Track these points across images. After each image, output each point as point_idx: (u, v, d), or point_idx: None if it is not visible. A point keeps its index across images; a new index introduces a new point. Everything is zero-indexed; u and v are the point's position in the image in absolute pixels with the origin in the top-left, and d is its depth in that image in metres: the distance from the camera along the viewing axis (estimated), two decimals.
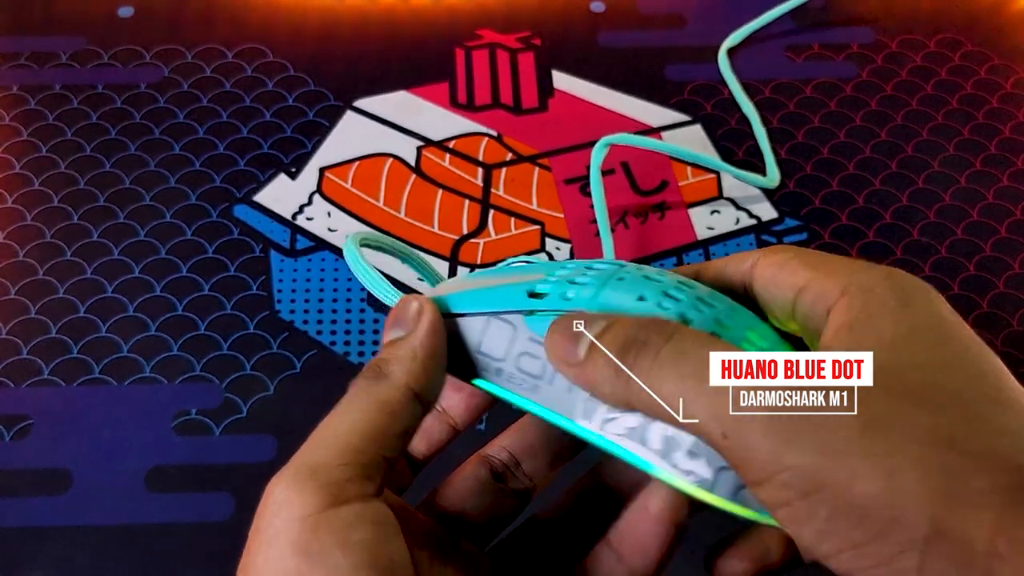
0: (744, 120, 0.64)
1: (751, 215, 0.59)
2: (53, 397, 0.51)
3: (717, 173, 0.61)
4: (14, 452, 0.49)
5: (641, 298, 0.27)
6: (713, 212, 0.59)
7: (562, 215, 0.59)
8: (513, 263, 0.30)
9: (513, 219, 0.58)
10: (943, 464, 0.21)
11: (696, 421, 0.23)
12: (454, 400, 0.31)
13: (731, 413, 0.23)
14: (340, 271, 0.56)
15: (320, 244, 0.57)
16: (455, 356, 0.29)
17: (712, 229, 0.58)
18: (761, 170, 0.61)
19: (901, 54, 0.68)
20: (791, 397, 0.23)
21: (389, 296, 0.32)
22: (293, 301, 0.55)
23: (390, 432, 0.26)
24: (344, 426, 0.26)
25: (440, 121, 0.63)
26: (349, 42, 0.68)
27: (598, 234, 0.57)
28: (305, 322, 0.54)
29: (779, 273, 0.28)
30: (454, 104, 0.64)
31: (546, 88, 0.65)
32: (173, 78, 0.65)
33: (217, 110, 0.63)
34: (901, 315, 0.24)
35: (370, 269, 0.32)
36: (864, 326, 0.24)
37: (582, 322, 0.26)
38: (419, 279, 0.34)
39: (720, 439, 0.23)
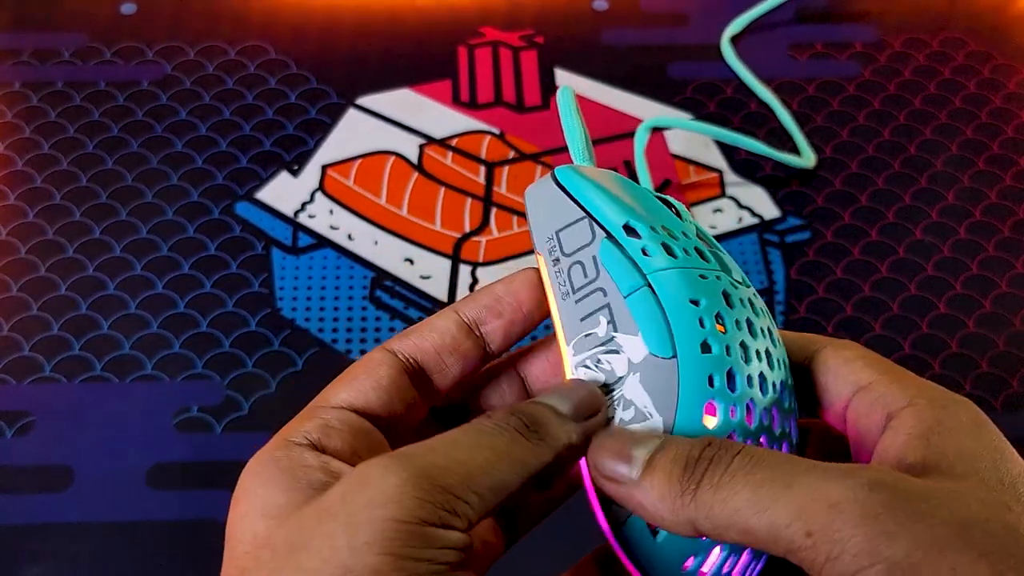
0: (747, 119, 0.64)
1: (753, 214, 0.59)
2: (55, 394, 0.51)
3: (720, 172, 0.61)
4: (16, 449, 0.49)
5: (696, 302, 0.26)
6: (716, 211, 0.59)
7: None
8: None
9: (515, 217, 0.58)
10: None
11: (776, 525, 0.22)
12: (493, 325, 0.30)
13: (822, 506, 0.22)
14: (342, 269, 0.56)
15: (322, 242, 0.57)
16: (540, 223, 0.29)
17: (715, 228, 0.58)
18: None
19: (904, 53, 0.68)
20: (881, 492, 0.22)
21: (578, 155, 0.32)
22: (295, 299, 0.55)
23: (506, 490, 0.25)
24: (476, 463, 0.24)
25: (442, 119, 0.63)
26: (351, 40, 0.67)
27: None
28: (307, 320, 0.54)
29: (843, 367, 0.28)
30: (456, 102, 0.64)
31: (549, 86, 0.65)
32: (175, 75, 0.65)
33: (219, 107, 0.63)
34: (978, 434, 0.24)
35: (578, 124, 0.32)
36: (943, 437, 0.24)
37: (635, 443, 0.25)
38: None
39: (803, 538, 0.22)
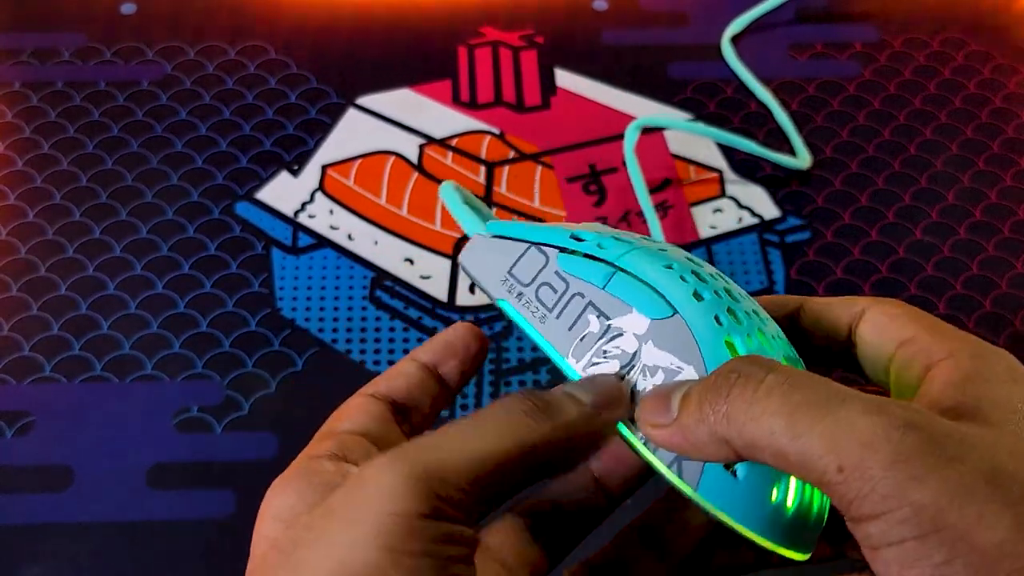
0: (747, 119, 0.64)
1: (753, 214, 0.59)
2: (55, 394, 0.51)
3: (720, 172, 0.61)
4: (16, 449, 0.49)
5: (669, 267, 0.27)
6: (716, 211, 0.59)
7: (564, 213, 0.59)
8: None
9: (515, 217, 0.58)
10: None
11: (804, 452, 0.22)
12: (450, 365, 0.31)
13: (855, 443, 0.22)
14: (342, 269, 0.56)
15: (322, 242, 0.57)
16: (488, 274, 0.30)
17: (715, 228, 0.58)
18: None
19: (904, 53, 0.68)
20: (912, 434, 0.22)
21: (470, 225, 0.32)
22: (295, 299, 0.55)
23: (524, 476, 0.25)
24: (483, 449, 0.24)
25: (442, 119, 0.63)
26: (351, 39, 0.67)
27: None
28: (307, 320, 0.54)
29: (889, 324, 0.28)
30: (456, 102, 0.64)
31: (549, 86, 0.65)
32: (175, 75, 0.65)
33: (219, 107, 0.63)
34: (1014, 384, 0.25)
35: (464, 209, 0.33)
36: (979, 386, 0.24)
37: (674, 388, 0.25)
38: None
39: (834, 473, 0.22)
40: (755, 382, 0.23)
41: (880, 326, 0.28)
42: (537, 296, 0.29)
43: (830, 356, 0.30)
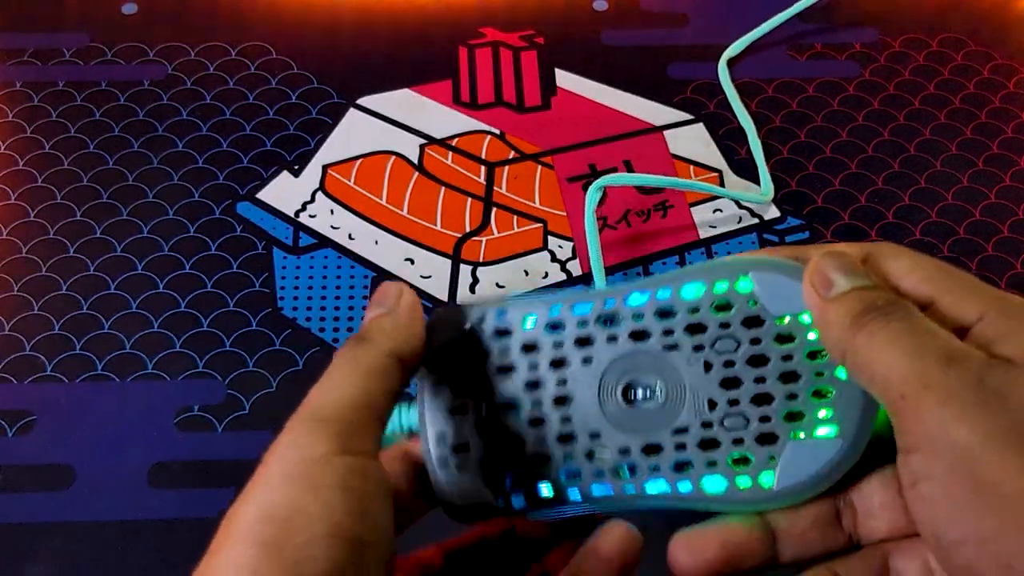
0: (743, 125, 0.64)
1: (753, 214, 0.59)
2: (56, 393, 0.51)
3: (719, 172, 0.61)
4: (17, 448, 0.49)
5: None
6: (715, 211, 0.59)
7: (564, 213, 0.59)
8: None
9: (516, 217, 0.58)
10: None
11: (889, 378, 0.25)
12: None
13: (919, 382, 0.24)
14: (342, 268, 0.56)
15: (323, 241, 0.57)
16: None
17: (714, 228, 0.58)
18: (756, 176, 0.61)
19: (904, 53, 0.68)
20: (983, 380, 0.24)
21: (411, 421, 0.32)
22: (296, 298, 0.55)
23: (379, 391, 0.27)
24: (337, 391, 0.27)
25: (443, 119, 0.63)
26: (352, 40, 0.68)
27: (600, 232, 0.57)
28: (308, 319, 0.54)
29: (904, 279, 0.28)
30: (457, 102, 0.64)
31: (549, 86, 0.65)
32: (176, 75, 0.65)
33: (220, 107, 0.63)
34: None
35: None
36: (1017, 343, 0.25)
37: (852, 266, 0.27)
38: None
39: (899, 400, 0.24)
40: (886, 319, 0.26)
41: (893, 283, 0.28)
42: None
43: None
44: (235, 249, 0.57)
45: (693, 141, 0.62)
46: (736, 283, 0.28)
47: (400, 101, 0.64)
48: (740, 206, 0.59)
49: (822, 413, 0.28)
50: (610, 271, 0.55)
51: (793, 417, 0.28)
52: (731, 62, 0.66)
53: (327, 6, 0.69)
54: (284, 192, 0.59)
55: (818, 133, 0.63)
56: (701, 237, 0.58)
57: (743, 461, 0.29)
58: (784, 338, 0.28)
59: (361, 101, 0.64)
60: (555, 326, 0.30)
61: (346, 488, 0.25)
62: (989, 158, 0.62)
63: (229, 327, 0.54)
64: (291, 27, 0.68)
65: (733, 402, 0.29)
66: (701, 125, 0.63)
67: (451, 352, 0.30)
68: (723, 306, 0.29)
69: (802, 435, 0.28)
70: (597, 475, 0.29)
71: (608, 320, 0.30)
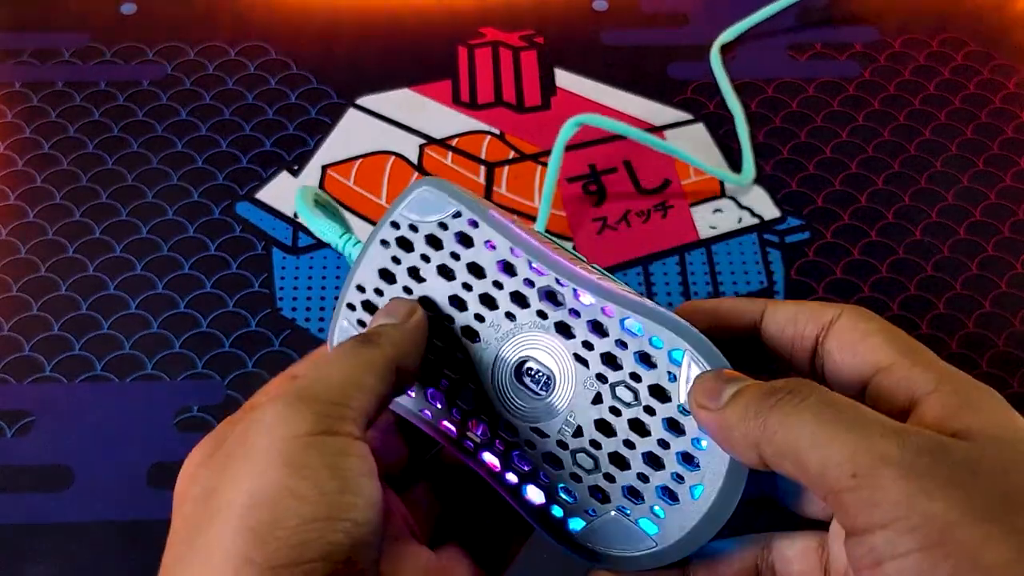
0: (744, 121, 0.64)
1: (753, 214, 0.59)
2: (55, 394, 0.51)
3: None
4: (16, 448, 0.49)
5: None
6: (715, 211, 0.59)
7: (564, 213, 0.59)
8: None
9: (515, 217, 0.58)
10: None
11: (824, 464, 0.23)
12: None
13: (872, 455, 0.22)
14: (342, 269, 0.56)
15: (322, 242, 0.57)
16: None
17: (715, 228, 0.58)
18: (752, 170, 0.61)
19: (904, 53, 0.68)
20: (929, 454, 0.23)
21: (327, 233, 0.33)
22: (295, 299, 0.55)
23: (374, 389, 0.27)
24: (336, 374, 0.27)
25: (443, 119, 0.63)
26: (352, 40, 0.68)
27: (600, 232, 0.57)
28: (307, 320, 0.54)
29: (860, 343, 0.27)
30: (456, 102, 0.64)
31: (549, 86, 0.65)
32: (175, 75, 0.65)
33: (219, 107, 0.63)
34: (1008, 417, 0.25)
35: (314, 215, 0.34)
36: (976, 416, 0.24)
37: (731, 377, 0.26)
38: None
39: (848, 479, 0.23)
40: (798, 398, 0.24)
41: (851, 345, 0.27)
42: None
43: (791, 369, 0.29)
44: (234, 249, 0.57)
45: (693, 141, 0.62)
46: (671, 350, 0.28)
47: (400, 101, 0.64)
48: (740, 206, 0.59)
49: (656, 507, 0.28)
50: (610, 271, 0.55)
51: (633, 493, 0.28)
52: (725, 50, 0.66)
53: (326, 6, 0.69)
54: (283, 192, 0.59)
55: (818, 133, 0.63)
56: (701, 237, 0.58)
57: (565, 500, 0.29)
58: (674, 426, 0.28)
59: (360, 101, 0.64)
60: (507, 268, 0.30)
61: (334, 468, 0.24)
62: (989, 158, 0.62)
63: (228, 328, 0.54)
64: (290, 27, 0.68)
65: (595, 444, 0.28)
66: (701, 125, 0.63)
67: (414, 221, 0.31)
68: (645, 358, 0.28)
69: (628, 514, 0.28)
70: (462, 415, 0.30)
71: (551, 297, 0.29)
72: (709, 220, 0.59)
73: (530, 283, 0.30)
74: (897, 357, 0.27)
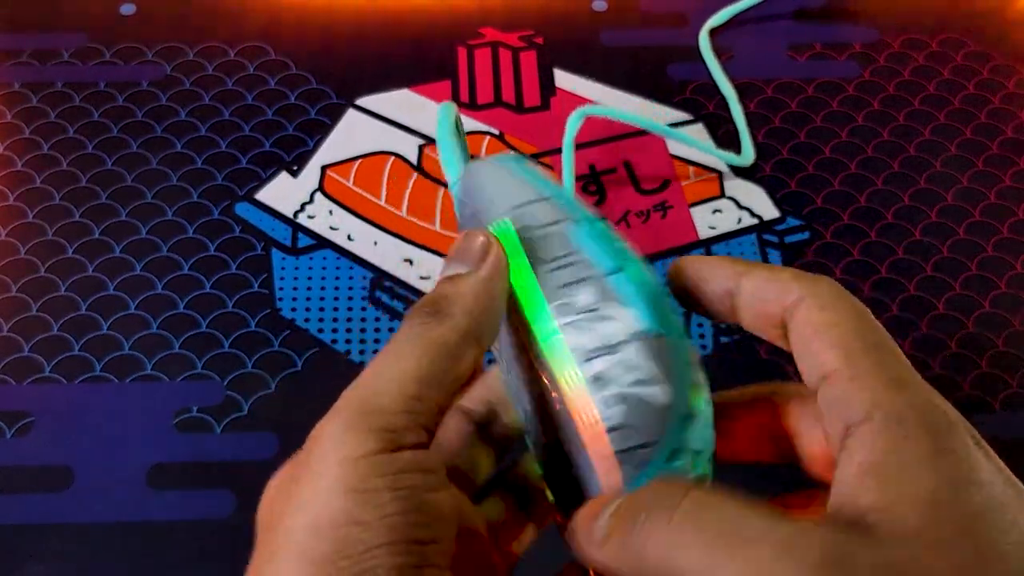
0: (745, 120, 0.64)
1: (753, 214, 0.59)
2: (54, 394, 0.51)
3: (720, 172, 0.61)
4: (16, 449, 0.49)
5: (665, 293, 0.27)
6: (715, 211, 0.59)
7: None
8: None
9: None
10: None
11: None
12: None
13: (776, 565, 0.20)
14: (341, 269, 0.56)
15: (322, 242, 0.57)
16: (492, 200, 0.29)
17: (714, 228, 0.58)
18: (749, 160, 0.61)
19: (903, 54, 0.68)
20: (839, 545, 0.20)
21: (451, 167, 0.31)
22: (295, 299, 0.55)
23: (448, 377, 0.25)
24: (400, 370, 0.24)
25: None
26: (351, 40, 0.68)
27: None
28: (307, 320, 0.54)
29: (814, 339, 0.24)
30: (456, 102, 0.64)
31: (548, 87, 0.65)
32: (175, 76, 0.65)
33: (219, 108, 0.63)
34: (935, 465, 0.22)
35: (451, 137, 0.32)
36: (897, 477, 0.22)
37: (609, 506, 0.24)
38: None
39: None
40: (669, 511, 0.22)
41: (805, 341, 0.24)
42: (539, 240, 0.27)
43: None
44: (234, 250, 0.57)
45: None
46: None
47: (399, 101, 0.64)
48: (740, 206, 0.59)
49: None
50: None
51: None
52: (721, 51, 0.66)
53: (326, 7, 0.69)
54: (283, 193, 0.59)
55: (818, 134, 0.63)
56: (701, 238, 0.58)
57: None
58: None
59: (360, 101, 0.64)
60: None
61: (397, 488, 0.23)
62: (989, 159, 0.62)
63: (228, 328, 0.54)
64: (290, 28, 0.68)
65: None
66: (701, 125, 0.63)
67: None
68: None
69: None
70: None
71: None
72: (709, 220, 0.59)
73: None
74: (841, 363, 0.23)
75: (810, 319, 0.24)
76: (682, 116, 0.64)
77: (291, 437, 0.49)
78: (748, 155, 0.60)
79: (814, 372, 0.24)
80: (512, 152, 0.32)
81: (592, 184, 0.60)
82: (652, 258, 0.57)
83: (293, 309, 0.54)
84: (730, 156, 0.60)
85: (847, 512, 0.22)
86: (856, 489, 0.22)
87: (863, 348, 0.23)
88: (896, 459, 0.22)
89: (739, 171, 0.61)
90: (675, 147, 0.62)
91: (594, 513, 0.24)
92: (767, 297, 0.25)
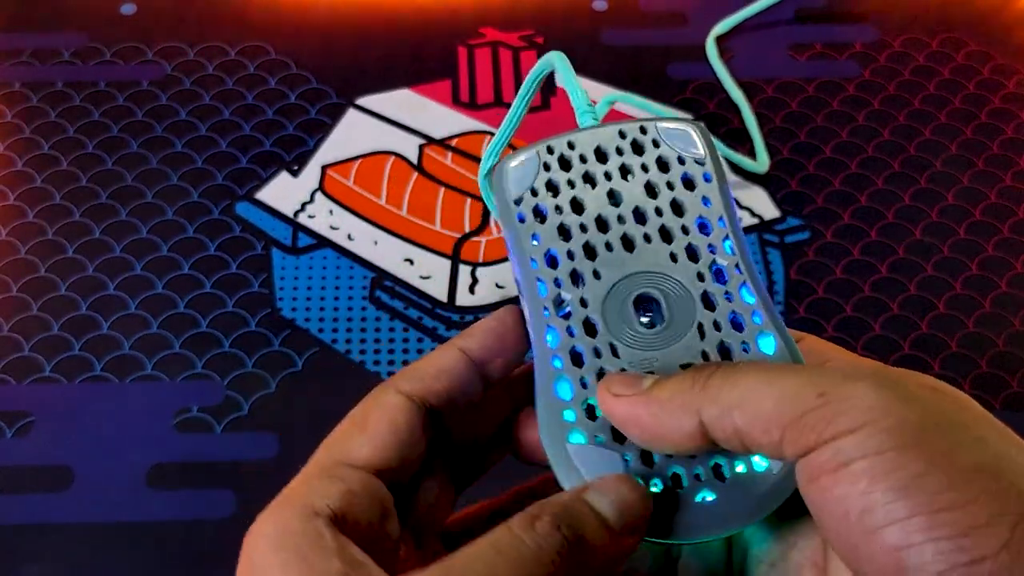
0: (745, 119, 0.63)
1: (753, 214, 0.59)
2: (55, 394, 0.51)
3: None
4: (16, 449, 0.49)
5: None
6: None
7: None
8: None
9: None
10: None
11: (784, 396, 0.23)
12: (497, 363, 0.28)
13: (837, 375, 0.22)
14: (341, 269, 0.56)
15: (322, 242, 0.57)
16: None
17: None
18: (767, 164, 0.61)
19: (904, 53, 0.68)
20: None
21: (585, 115, 0.31)
22: (295, 299, 0.55)
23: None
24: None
25: (442, 119, 0.63)
26: (351, 40, 0.68)
27: None
28: (307, 320, 0.54)
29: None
30: (456, 102, 0.64)
31: (549, 86, 0.65)
32: (175, 75, 0.65)
33: (219, 108, 0.63)
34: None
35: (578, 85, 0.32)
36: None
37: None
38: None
39: (814, 400, 0.22)
40: (732, 368, 0.24)
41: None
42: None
43: None
44: (234, 250, 0.57)
45: None
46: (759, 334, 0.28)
47: (399, 101, 0.64)
48: (740, 206, 0.59)
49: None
50: None
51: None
52: (724, 50, 0.66)
53: (326, 6, 0.69)
54: (283, 192, 0.59)
55: (818, 133, 0.63)
56: None
57: None
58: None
59: (360, 101, 0.64)
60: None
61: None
62: (989, 158, 0.62)
63: (228, 328, 0.53)
64: (290, 27, 0.68)
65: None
66: (701, 125, 0.63)
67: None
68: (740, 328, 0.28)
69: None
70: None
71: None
72: None
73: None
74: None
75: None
76: (682, 116, 0.64)
77: (291, 437, 0.49)
78: (763, 161, 0.60)
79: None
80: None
81: None
82: None
83: (293, 309, 0.54)
84: (746, 161, 0.60)
85: None
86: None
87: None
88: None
89: (740, 171, 0.61)
90: None
91: (634, 376, 0.26)
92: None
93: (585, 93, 0.32)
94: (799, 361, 0.26)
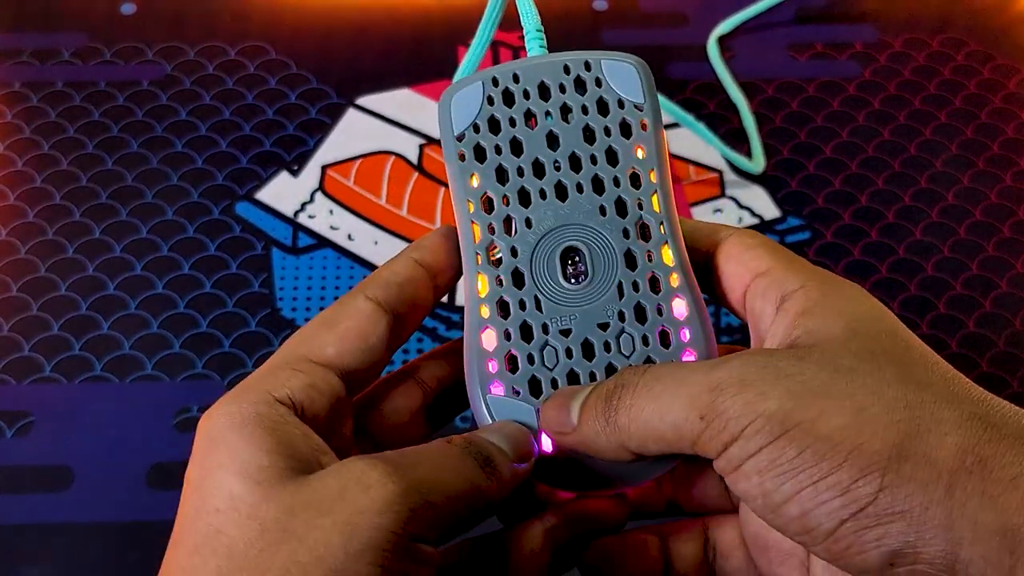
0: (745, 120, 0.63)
1: (753, 214, 0.59)
2: (55, 394, 0.51)
3: (720, 172, 0.61)
4: (16, 449, 0.49)
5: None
6: (716, 211, 0.59)
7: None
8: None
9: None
10: (909, 400, 0.24)
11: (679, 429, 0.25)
12: (447, 276, 0.31)
13: (704, 392, 0.25)
14: (342, 269, 0.56)
15: (322, 242, 0.57)
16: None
17: None
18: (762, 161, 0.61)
19: (904, 53, 0.68)
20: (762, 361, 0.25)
21: (533, 40, 0.34)
22: (295, 299, 0.55)
23: (467, 516, 0.26)
24: (452, 483, 0.26)
25: None
26: (351, 40, 0.68)
27: None
28: (307, 320, 0.54)
29: (744, 253, 0.29)
30: None
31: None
32: (175, 75, 0.65)
33: (219, 108, 0.63)
34: (859, 300, 0.27)
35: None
36: (825, 308, 0.27)
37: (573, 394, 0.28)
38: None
39: (697, 423, 0.25)
40: (631, 389, 0.26)
41: (736, 256, 0.30)
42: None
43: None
44: (234, 250, 0.57)
45: (694, 141, 0.62)
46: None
47: (399, 101, 0.64)
48: (740, 206, 0.59)
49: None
50: None
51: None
52: (724, 49, 0.66)
53: (326, 6, 0.69)
54: (283, 192, 0.59)
55: (818, 133, 0.63)
56: None
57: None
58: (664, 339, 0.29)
59: (360, 101, 0.64)
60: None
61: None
62: (990, 159, 0.62)
63: (228, 328, 0.53)
64: (290, 27, 0.68)
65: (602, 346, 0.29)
66: (701, 125, 0.63)
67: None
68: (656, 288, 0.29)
69: None
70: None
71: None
72: (710, 220, 0.59)
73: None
74: (773, 262, 0.29)
75: (740, 243, 0.30)
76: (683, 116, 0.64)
77: None
78: (759, 160, 0.60)
79: (747, 273, 0.29)
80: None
81: None
82: None
83: (293, 309, 0.54)
84: (742, 160, 0.60)
85: (782, 346, 0.27)
86: (789, 329, 0.27)
87: (787, 255, 0.29)
88: (826, 301, 0.27)
89: (740, 171, 0.61)
90: (676, 147, 0.62)
91: (560, 406, 0.28)
92: (697, 236, 0.30)
93: (536, 13, 0.33)
94: (707, 330, 0.29)
